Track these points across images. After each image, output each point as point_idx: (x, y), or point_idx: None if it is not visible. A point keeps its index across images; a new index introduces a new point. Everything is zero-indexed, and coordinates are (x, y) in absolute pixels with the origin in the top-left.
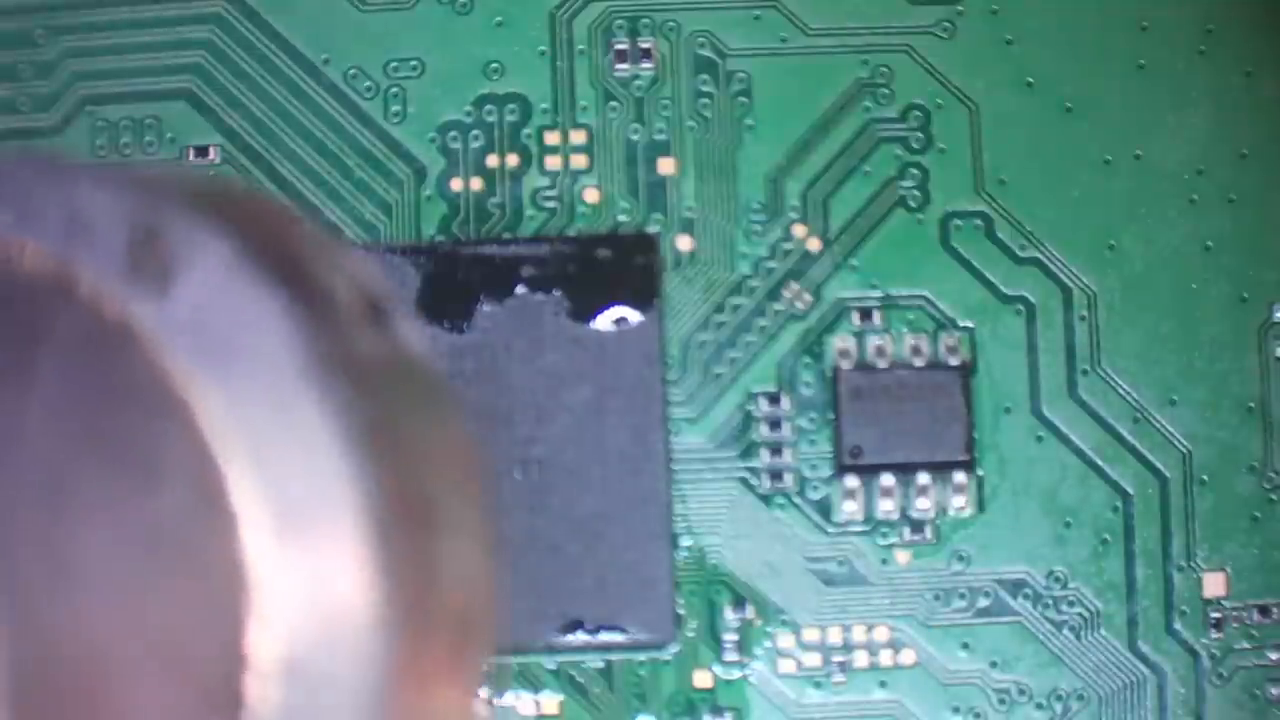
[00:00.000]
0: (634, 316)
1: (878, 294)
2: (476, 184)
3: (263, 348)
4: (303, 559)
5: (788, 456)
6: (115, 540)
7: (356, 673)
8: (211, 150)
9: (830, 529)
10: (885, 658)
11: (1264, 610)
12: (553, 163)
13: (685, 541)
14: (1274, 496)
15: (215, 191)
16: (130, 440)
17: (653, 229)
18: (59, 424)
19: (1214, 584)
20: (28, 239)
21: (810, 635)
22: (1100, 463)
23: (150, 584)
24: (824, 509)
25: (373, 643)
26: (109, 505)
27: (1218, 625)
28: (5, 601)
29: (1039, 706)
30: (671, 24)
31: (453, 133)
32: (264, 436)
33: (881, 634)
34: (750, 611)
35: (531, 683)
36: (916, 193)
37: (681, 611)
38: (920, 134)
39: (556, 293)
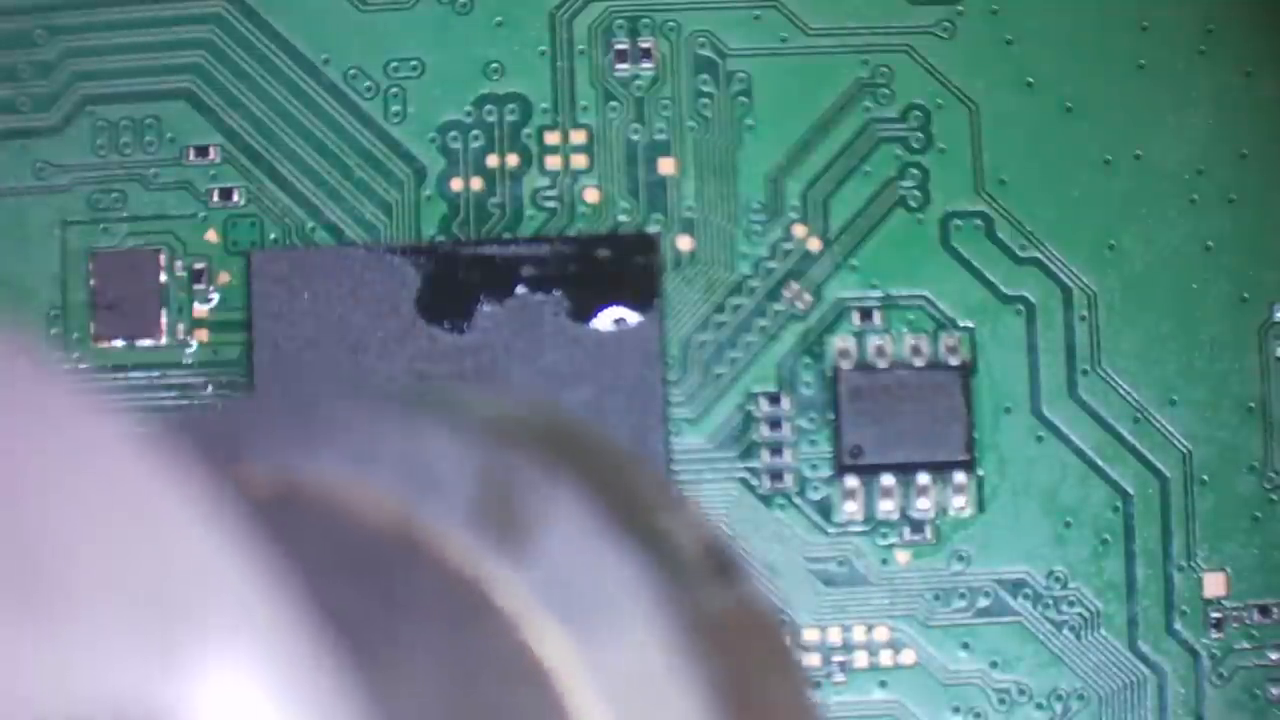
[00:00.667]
0: (634, 317)
1: (878, 294)
2: (476, 184)
3: (624, 608)
4: None
5: (788, 457)
6: None
7: None
8: (211, 150)
9: (830, 529)
10: (885, 658)
11: (1264, 610)
12: (553, 163)
13: None
14: (1274, 496)
15: (559, 435)
16: (496, 709)
17: (653, 229)
18: (428, 688)
19: (1214, 584)
20: (367, 484)
21: (810, 635)
22: (1100, 463)
23: None
24: (824, 509)
25: None
26: None
27: (1218, 625)
28: None
29: (1039, 706)
30: (671, 24)
31: (453, 133)
32: (626, 700)
33: (881, 634)
34: None
35: None
36: (916, 193)
37: None
38: (920, 134)
39: (556, 293)
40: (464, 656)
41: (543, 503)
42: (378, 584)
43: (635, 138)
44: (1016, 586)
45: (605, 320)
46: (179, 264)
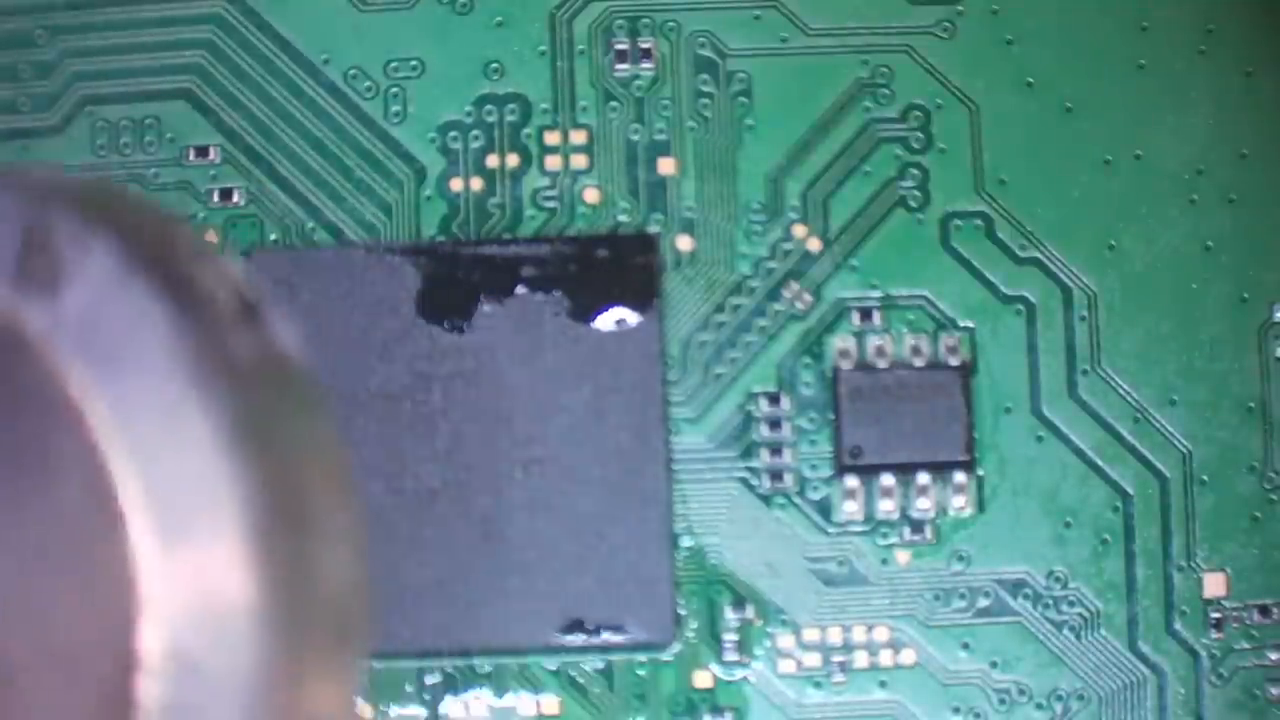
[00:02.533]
0: (634, 317)
1: (878, 294)
2: (476, 184)
3: (151, 352)
4: (187, 558)
5: (788, 456)
6: (10, 544)
7: (240, 668)
8: (211, 150)
9: (830, 529)
10: (885, 658)
11: (1264, 610)
12: (553, 163)
13: (685, 541)
14: (1274, 496)
15: (99, 193)
16: (23, 443)
17: (653, 229)
18: None
19: (1214, 584)
20: None
21: (810, 635)
22: (1100, 463)
23: (45, 587)
24: (824, 509)
25: (254, 639)
26: (9, 515)
27: (1218, 625)
28: None
29: (1039, 706)
30: (671, 24)
31: (453, 133)
32: (151, 439)
33: (881, 634)
34: (750, 611)
35: (531, 683)
36: (916, 193)
37: (682, 611)
38: (920, 134)
39: (556, 293)
40: None
41: (76, 249)
42: None
43: (635, 138)
44: (1016, 586)
45: (605, 320)
46: None
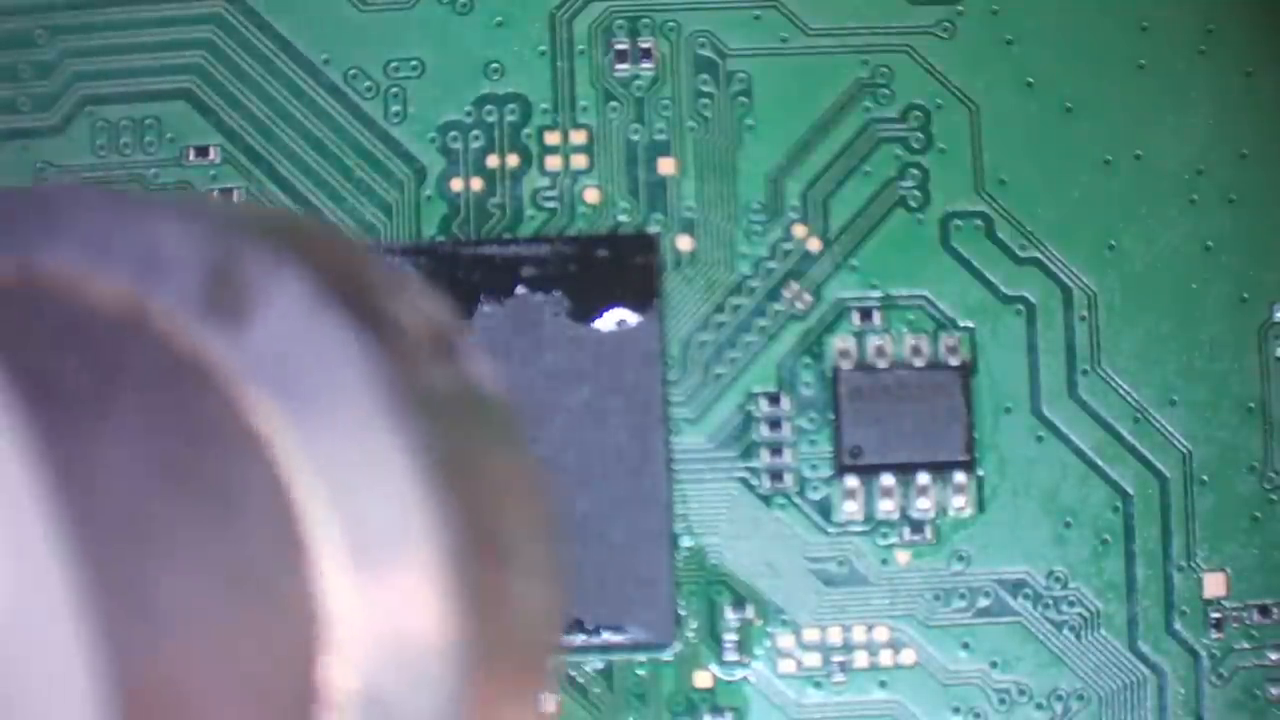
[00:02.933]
0: (634, 317)
1: (878, 294)
2: (476, 184)
3: (341, 382)
4: (379, 593)
5: (788, 457)
6: (197, 577)
7: (430, 704)
8: (211, 150)
9: (830, 529)
10: (885, 658)
11: (1264, 610)
12: (553, 163)
13: (685, 541)
14: (1274, 496)
15: (287, 225)
16: (209, 476)
17: (653, 229)
18: (137, 461)
19: (1214, 584)
20: (99, 273)
21: (810, 635)
22: (1100, 463)
23: (231, 620)
24: (824, 509)
25: (446, 676)
26: (190, 542)
27: (1218, 625)
28: (94, 643)
29: (1039, 707)
30: (671, 24)
31: (453, 133)
32: (341, 471)
33: (881, 634)
34: (750, 611)
35: None
36: (916, 193)
37: (682, 612)
38: (920, 134)
39: (556, 293)
40: (177, 424)
41: (265, 280)
42: (98, 359)
43: (635, 138)
44: (1016, 586)
45: (605, 320)
46: None
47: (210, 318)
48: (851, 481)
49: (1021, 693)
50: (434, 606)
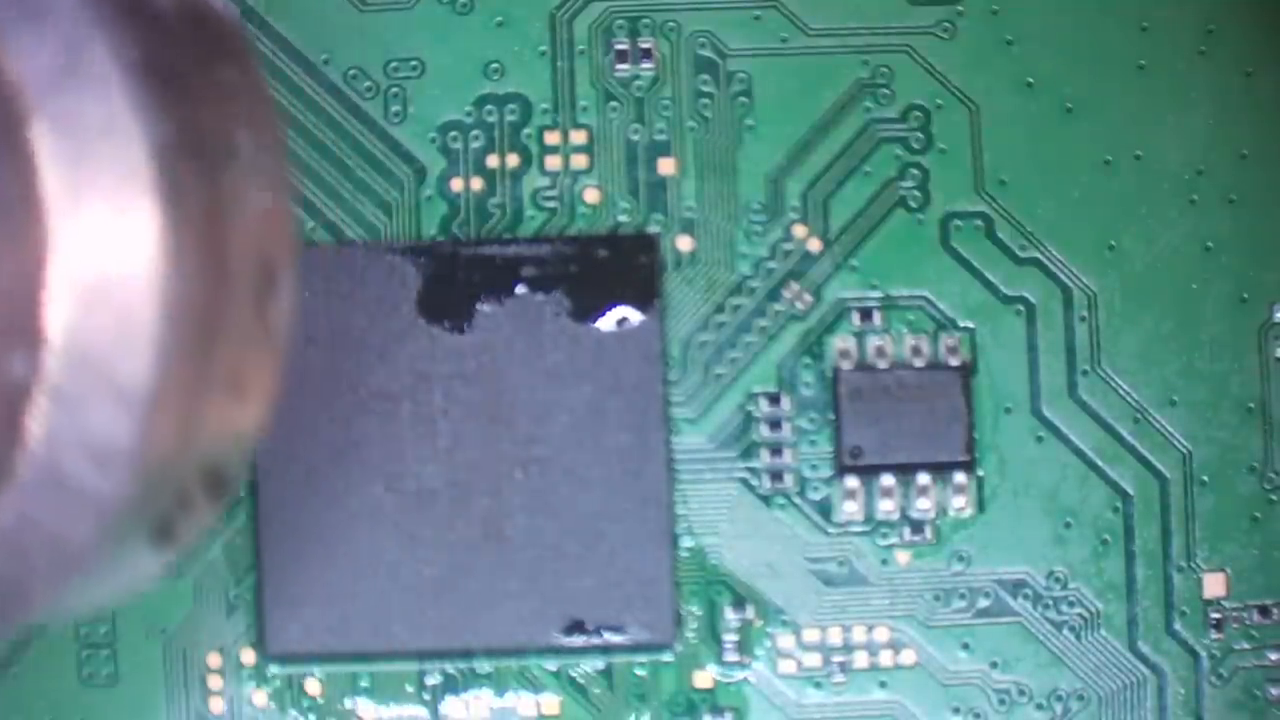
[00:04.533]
0: (634, 317)
1: (878, 294)
2: (476, 184)
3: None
4: (96, 193)
5: (788, 457)
6: None
7: (151, 302)
8: None
9: (830, 529)
10: (885, 658)
11: (1264, 611)
12: (553, 163)
13: (686, 542)
14: (1274, 497)
15: None
16: None
17: (653, 229)
18: None
19: (1214, 584)
20: None
21: (810, 635)
22: (1100, 463)
23: None
24: (824, 509)
25: (164, 272)
26: None
27: (1218, 626)
28: None
29: (1039, 707)
30: (672, 24)
31: (453, 133)
32: (58, 79)
33: (881, 634)
34: (750, 612)
35: (532, 683)
36: (917, 193)
37: (682, 612)
38: (920, 134)
39: (556, 293)
40: None
41: None
42: None
43: (635, 138)
44: (1016, 587)
45: (606, 320)
46: None
47: None
48: (852, 482)
49: (1021, 693)
50: (145, 199)
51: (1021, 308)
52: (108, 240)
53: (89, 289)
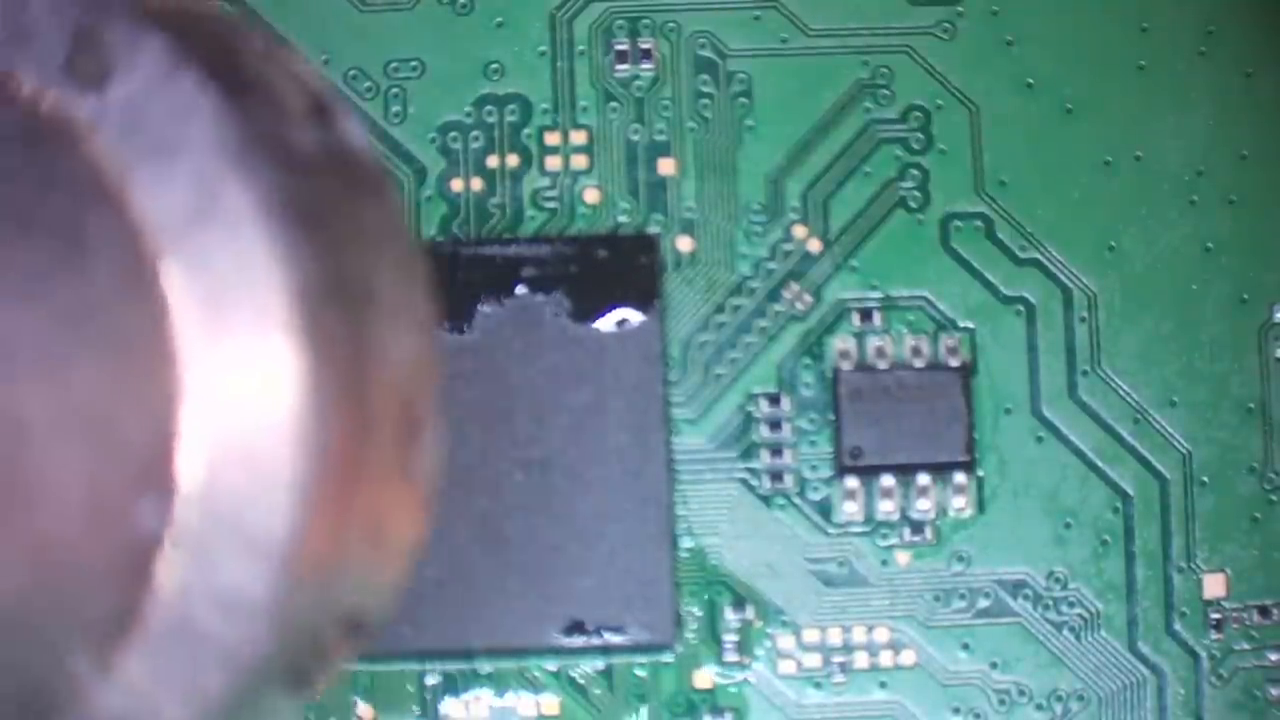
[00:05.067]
0: (634, 317)
1: (878, 295)
2: (476, 184)
3: (192, 135)
4: (231, 338)
5: (788, 457)
6: (40, 317)
7: (289, 451)
8: None
9: (830, 530)
10: (885, 658)
11: (1264, 611)
12: (553, 163)
13: (686, 542)
14: (1274, 497)
15: None
16: (60, 225)
17: (653, 229)
18: None
19: (1214, 585)
20: None
21: (810, 636)
22: (1100, 463)
23: (76, 360)
24: (824, 510)
25: (304, 419)
26: (34, 283)
27: (1218, 626)
28: None
29: (1039, 707)
30: (672, 24)
31: (453, 133)
32: (192, 220)
33: (881, 635)
34: (750, 612)
35: (532, 684)
36: (917, 193)
37: (682, 612)
38: (920, 135)
39: (557, 293)
40: (27, 174)
41: (128, 44)
42: None
43: (635, 138)
44: (1016, 587)
45: (606, 321)
46: None
47: (72, 79)
48: (851, 482)
49: (1021, 693)
50: (286, 350)
51: (1021, 308)
52: (244, 387)
53: (223, 437)
